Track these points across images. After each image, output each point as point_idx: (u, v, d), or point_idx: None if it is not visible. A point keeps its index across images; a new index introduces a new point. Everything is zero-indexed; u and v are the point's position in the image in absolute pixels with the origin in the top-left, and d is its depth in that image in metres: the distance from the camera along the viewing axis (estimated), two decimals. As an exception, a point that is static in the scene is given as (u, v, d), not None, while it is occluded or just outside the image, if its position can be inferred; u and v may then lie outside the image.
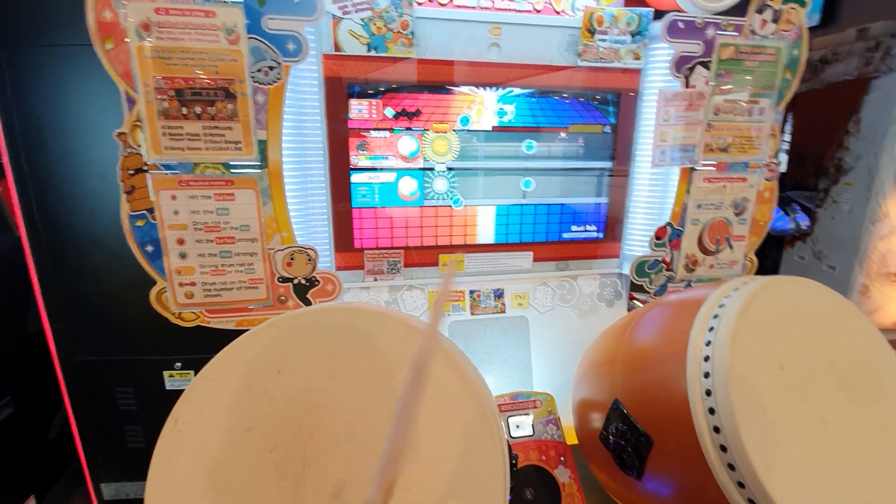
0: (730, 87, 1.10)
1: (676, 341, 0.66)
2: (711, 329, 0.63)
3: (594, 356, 0.91)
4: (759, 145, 1.15)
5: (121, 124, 0.86)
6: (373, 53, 0.98)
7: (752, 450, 0.54)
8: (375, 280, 1.13)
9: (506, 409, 0.94)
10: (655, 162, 1.12)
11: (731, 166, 1.16)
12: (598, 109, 1.13)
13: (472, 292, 1.18)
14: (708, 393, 0.59)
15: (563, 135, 1.14)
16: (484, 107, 1.08)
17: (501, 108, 1.09)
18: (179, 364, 1.14)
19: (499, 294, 1.20)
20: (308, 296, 1.04)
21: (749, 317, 0.62)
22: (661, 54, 1.09)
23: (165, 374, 1.14)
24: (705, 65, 1.08)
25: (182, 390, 0.53)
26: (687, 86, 1.08)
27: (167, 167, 0.90)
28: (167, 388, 1.15)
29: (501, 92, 1.08)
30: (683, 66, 1.07)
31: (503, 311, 1.20)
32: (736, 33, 1.08)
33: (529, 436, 0.92)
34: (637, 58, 1.10)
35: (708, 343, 0.62)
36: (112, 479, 1.20)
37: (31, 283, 1.06)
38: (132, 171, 0.88)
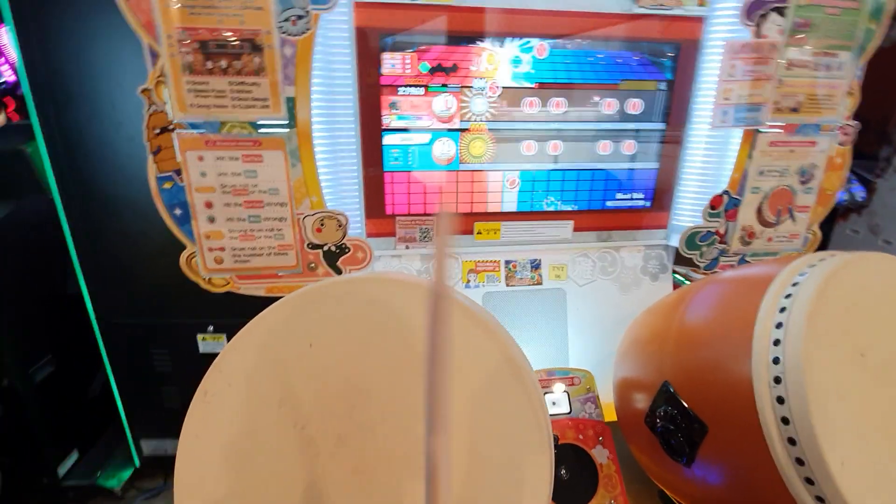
0: (807, 36, 0.97)
1: (740, 322, 0.60)
2: (783, 310, 0.56)
3: (640, 333, 0.85)
4: (834, 105, 1.03)
5: (145, 80, 0.83)
6: (408, 0, 0.90)
7: (826, 444, 0.48)
8: (407, 248, 1.09)
9: (541, 385, 0.90)
10: (716, 123, 1.01)
11: (801, 128, 1.05)
12: (654, 63, 1.02)
13: (507, 262, 1.13)
14: (777, 380, 0.53)
15: (603, 94, 1.04)
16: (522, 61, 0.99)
17: (537, 60, 1.00)
18: (212, 328, 1.14)
19: (535, 265, 1.14)
20: (338, 263, 1.01)
21: (827, 297, 0.55)
22: (729, -1, 0.97)
23: (199, 337, 1.15)
24: (780, 11, 0.95)
25: (215, 354, 0.51)
26: (758, 36, 0.96)
27: (193, 126, 0.86)
28: (201, 350, 1.16)
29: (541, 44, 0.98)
30: (755, 12, 0.95)
31: (540, 283, 1.14)
32: (817, -26, 0.95)
33: (567, 413, 0.88)
34: (702, 3, 0.98)
35: (779, 325, 0.56)
36: (151, 436, 1.25)
37: (67, 246, 1.07)
38: (158, 131, 0.85)
